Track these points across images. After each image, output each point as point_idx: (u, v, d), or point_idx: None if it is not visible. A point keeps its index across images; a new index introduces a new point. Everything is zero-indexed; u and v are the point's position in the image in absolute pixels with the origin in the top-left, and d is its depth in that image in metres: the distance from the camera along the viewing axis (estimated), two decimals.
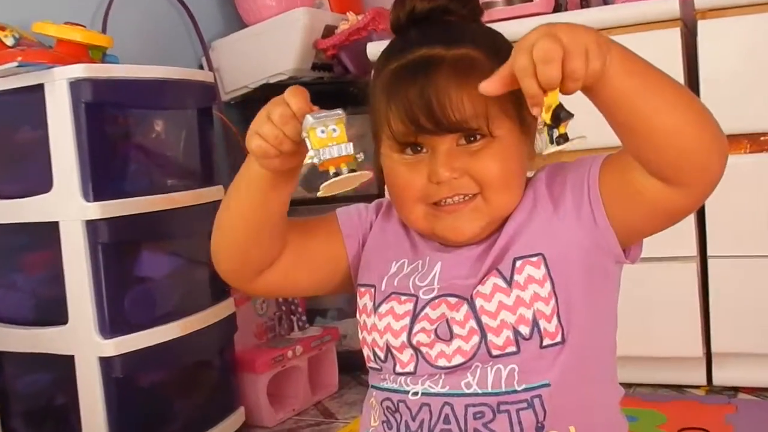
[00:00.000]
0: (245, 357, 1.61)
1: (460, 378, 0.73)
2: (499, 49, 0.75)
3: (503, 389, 0.72)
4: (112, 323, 1.30)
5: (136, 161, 1.43)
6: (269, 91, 2.00)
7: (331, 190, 0.68)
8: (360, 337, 0.81)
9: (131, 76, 1.34)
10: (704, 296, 1.54)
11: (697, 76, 1.49)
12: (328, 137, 0.66)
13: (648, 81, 0.64)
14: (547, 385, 0.72)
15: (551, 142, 0.63)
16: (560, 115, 0.61)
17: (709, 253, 1.52)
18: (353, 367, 1.82)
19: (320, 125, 0.66)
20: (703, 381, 1.58)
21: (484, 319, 0.73)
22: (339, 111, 0.67)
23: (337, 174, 0.67)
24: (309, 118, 0.66)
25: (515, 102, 0.74)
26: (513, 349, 0.72)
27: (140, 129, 1.44)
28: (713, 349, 1.54)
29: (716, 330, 1.52)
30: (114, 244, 1.30)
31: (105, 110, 1.32)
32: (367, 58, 1.76)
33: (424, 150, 0.74)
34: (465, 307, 0.74)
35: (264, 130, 0.68)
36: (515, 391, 0.72)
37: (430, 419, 0.73)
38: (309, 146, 0.67)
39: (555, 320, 0.72)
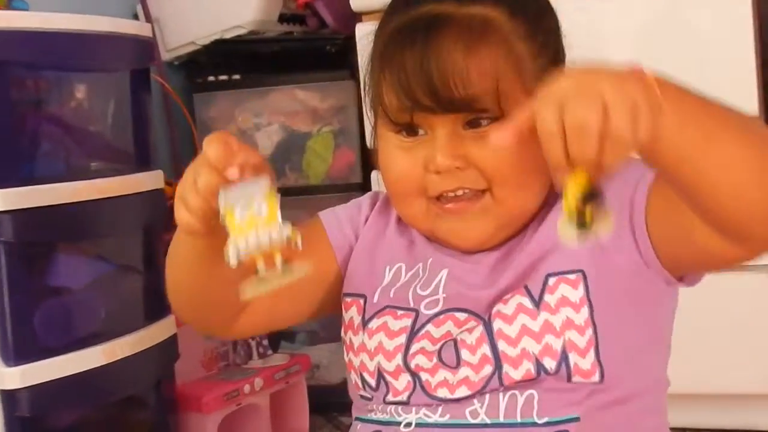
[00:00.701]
0: (189, 392, 1.61)
1: (465, 406, 0.75)
2: (527, 6, 0.78)
3: (519, 420, 0.74)
4: (18, 347, 1.30)
5: (49, 138, 1.42)
6: (224, 50, 2.02)
7: (255, 291, 0.67)
8: (345, 359, 0.83)
9: (44, 27, 1.33)
10: None
11: None
12: (251, 220, 0.66)
13: (710, 130, 0.63)
14: (576, 419, 0.73)
15: (573, 224, 0.60)
16: (588, 196, 0.59)
17: None
18: (329, 405, 1.82)
19: (240, 203, 0.66)
20: None
21: (502, 345, 0.75)
22: (265, 180, 0.67)
23: (262, 275, 0.66)
24: (224, 196, 0.66)
25: (541, 76, 0.75)
26: (533, 380, 0.74)
27: (55, 96, 1.44)
28: None
29: None
30: (20, 244, 1.30)
31: (9, 71, 1.31)
32: (349, 8, 1.75)
33: (423, 132, 0.76)
34: (480, 329, 0.76)
35: (189, 200, 0.69)
36: (535, 424, 0.73)
37: None
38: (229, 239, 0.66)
39: (591, 355, 0.74)
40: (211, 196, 0.67)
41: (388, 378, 0.78)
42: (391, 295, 0.81)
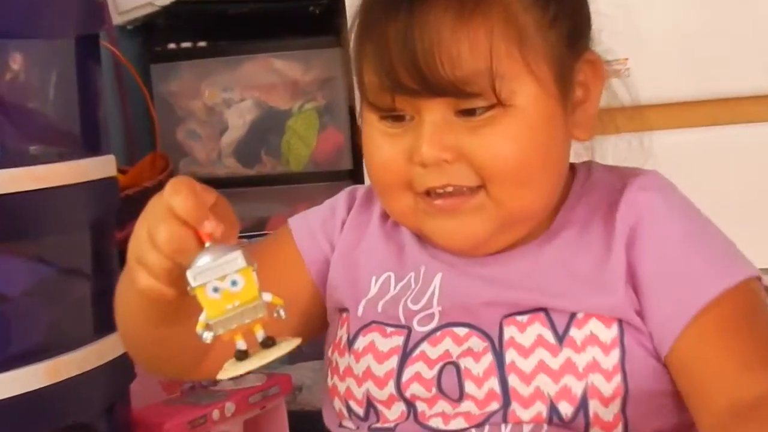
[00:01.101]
0: (147, 419, 1.61)
1: None
2: None
3: None
4: None
5: None
6: (187, 12, 2.00)
7: (236, 370, 0.69)
8: (329, 383, 0.84)
9: None
10: None
11: None
12: (225, 297, 0.66)
13: None
14: None
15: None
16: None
17: None
18: None
19: (212, 279, 0.66)
20: None
21: (513, 380, 0.76)
22: (237, 253, 0.67)
23: (245, 353, 0.68)
24: (192, 274, 0.66)
25: (551, 55, 0.77)
26: (543, 423, 0.76)
27: None
28: None
29: None
30: None
31: None
32: None
33: (410, 117, 0.77)
34: (489, 358, 0.77)
35: (150, 261, 0.69)
36: None
37: None
38: (202, 316, 0.67)
39: (617, 405, 0.75)
40: (178, 255, 0.67)
41: (380, 407, 0.80)
42: (379, 310, 0.82)
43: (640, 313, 0.77)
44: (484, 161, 0.75)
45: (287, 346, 0.68)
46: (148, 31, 2.12)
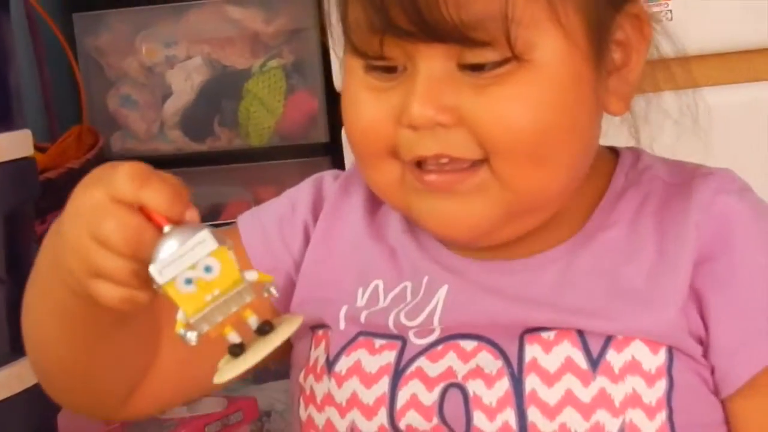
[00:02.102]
0: None
1: None
2: None
3: None
4: None
5: None
6: None
7: (237, 368, 0.68)
8: (301, 415, 0.85)
9: None
10: None
11: None
12: (202, 287, 0.66)
13: None
14: None
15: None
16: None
17: None
18: None
19: (181, 270, 0.66)
20: None
21: (533, 414, 0.77)
22: (204, 233, 0.66)
23: (240, 347, 0.68)
24: (157, 268, 0.66)
25: (585, 1, 0.76)
26: None
27: None
28: None
29: None
30: None
31: None
32: None
33: (402, 68, 0.77)
34: (505, 383, 0.77)
35: (111, 269, 0.67)
36: None
37: None
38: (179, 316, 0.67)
39: None
40: (140, 250, 0.66)
41: None
42: (362, 320, 0.83)
43: (701, 341, 0.78)
44: (491, 129, 0.74)
45: (289, 327, 0.68)
46: None
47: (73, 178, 1.90)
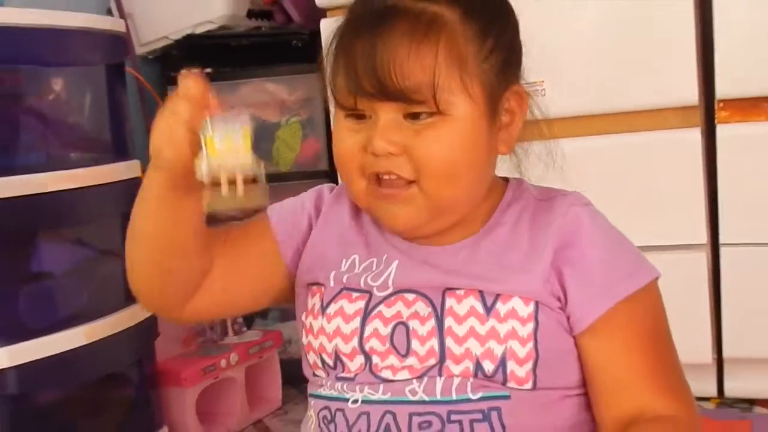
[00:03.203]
0: (169, 368, 1.61)
1: (404, 385, 0.76)
2: (485, 8, 0.78)
3: (454, 397, 0.74)
4: (4, 328, 1.29)
5: (28, 129, 1.41)
6: (196, 44, 1.99)
7: (216, 204, 0.70)
8: (304, 341, 0.83)
9: (21, 22, 1.31)
10: (715, 291, 1.58)
11: (712, 32, 1.53)
12: (228, 146, 0.68)
13: None
14: (506, 397, 0.74)
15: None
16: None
17: (721, 240, 1.56)
18: (300, 378, 1.78)
19: (220, 132, 0.68)
20: (713, 392, 1.62)
21: (449, 342, 0.75)
22: (244, 117, 0.69)
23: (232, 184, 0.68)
24: (208, 123, 0.69)
25: (485, 81, 0.75)
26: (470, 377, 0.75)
27: (34, 89, 1.43)
28: (725, 354, 1.58)
29: (729, 332, 1.57)
30: (2, 232, 1.29)
31: None
32: (314, 4, 1.74)
33: (368, 117, 0.76)
34: (432, 322, 0.76)
35: (176, 132, 0.71)
36: (469, 400, 0.74)
37: (368, 429, 0.75)
38: (203, 157, 0.68)
39: (528, 367, 0.75)
40: (196, 127, 0.69)
41: (344, 359, 0.79)
42: (345, 280, 0.81)
43: (559, 299, 0.76)
44: (420, 158, 0.74)
45: (256, 198, 0.70)
46: (165, 60, 2.09)
47: None
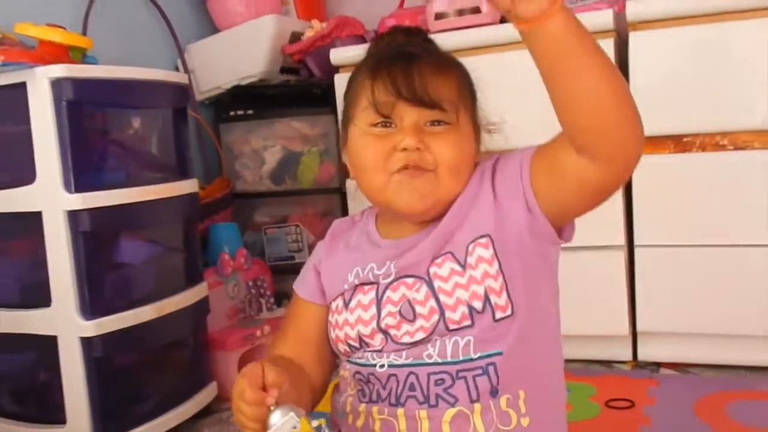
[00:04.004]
0: (217, 336, 1.61)
1: (422, 350, 0.74)
2: (454, 59, 0.80)
3: (461, 358, 0.73)
4: (93, 306, 1.29)
5: (114, 156, 1.41)
6: (241, 92, 2.01)
7: None
8: (332, 336, 0.81)
9: (109, 76, 1.32)
10: (631, 281, 1.59)
11: (627, 82, 1.51)
12: None
13: (588, 48, 0.64)
14: (500, 353, 0.73)
15: None
16: None
17: (635, 243, 1.57)
18: None
19: (278, 425, 0.65)
20: (629, 357, 1.62)
21: (442, 297, 0.74)
22: (297, 410, 0.66)
23: None
24: (270, 415, 0.65)
25: (473, 102, 0.79)
26: (468, 323, 0.73)
27: (118, 126, 1.43)
28: (638, 328, 1.59)
29: (641, 311, 1.57)
30: (94, 232, 1.29)
31: (85, 108, 1.30)
32: (330, 62, 1.76)
33: (394, 125, 0.75)
34: (425, 288, 0.75)
35: (242, 410, 0.68)
36: (471, 359, 0.73)
37: (398, 387, 0.74)
38: None
39: (504, 295, 0.73)
40: (258, 416, 0.67)
41: (367, 339, 0.77)
42: (357, 281, 0.79)
43: (503, 220, 0.74)
44: (439, 153, 0.74)
45: None
46: (217, 104, 2.10)
47: (216, 203, 1.90)
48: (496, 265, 0.73)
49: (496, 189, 0.75)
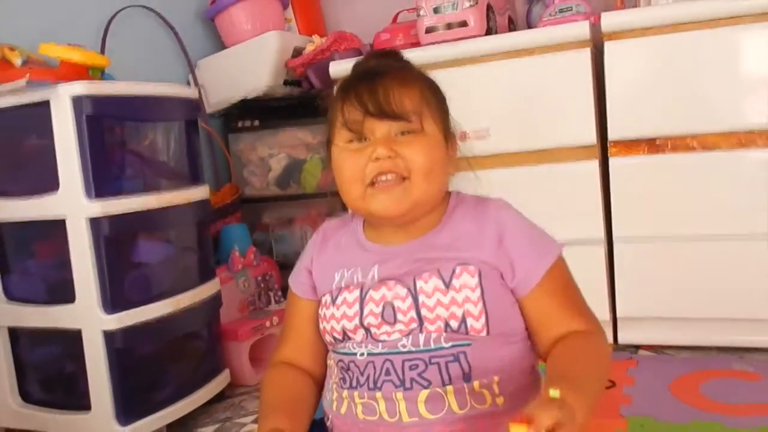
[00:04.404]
0: (229, 327, 1.62)
1: (397, 341, 0.75)
2: (418, 71, 0.80)
3: (432, 347, 0.73)
4: (114, 301, 1.30)
5: (131, 165, 1.42)
6: (248, 105, 2.02)
7: None
8: (321, 327, 0.81)
9: (126, 92, 1.33)
10: (610, 271, 1.60)
11: (604, 90, 1.52)
12: None
13: (596, 392, 0.68)
14: (469, 344, 0.73)
15: None
16: None
17: (614, 235, 1.58)
18: None
19: None
20: (611, 340, 1.63)
21: (424, 311, 0.73)
22: None
23: None
24: None
25: (442, 113, 0.78)
26: (443, 334, 0.73)
27: (135, 138, 1.44)
28: (618, 314, 1.60)
29: (620, 298, 1.58)
30: (114, 235, 1.30)
31: (104, 122, 1.31)
32: (329, 75, 1.78)
33: (368, 140, 0.75)
34: (409, 299, 0.74)
35: None
36: (442, 348, 0.73)
37: (375, 373, 0.74)
38: None
39: (482, 320, 0.73)
40: None
41: (350, 334, 0.77)
42: (343, 283, 0.79)
43: (498, 269, 0.75)
44: (411, 159, 0.74)
45: None
46: (226, 116, 2.10)
47: (227, 207, 1.91)
48: (478, 292, 0.73)
49: (503, 247, 0.75)
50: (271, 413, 0.76)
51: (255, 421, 1.42)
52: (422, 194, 0.75)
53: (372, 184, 0.74)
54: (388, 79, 0.75)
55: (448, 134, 0.79)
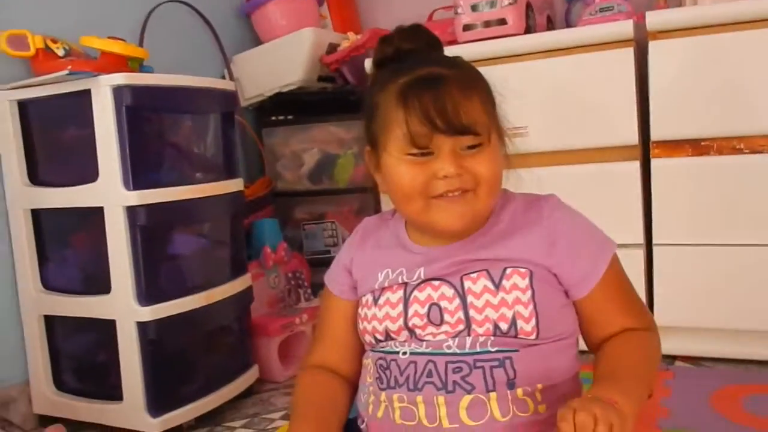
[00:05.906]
0: (260, 323, 1.62)
1: (442, 342, 0.73)
2: (473, 69, 0.77)
3: (478, 350, 0.72)
4: (148, 293, 1.31)
5: (169, 156, 1.43)
6: (282, 99, 2.02)
7: None
8: (360, 327, 0.79)
9: (164, 84, 1.35)
10: (649, 278, 1.57)
11: (647, 89, 1.51)
12: None
13: (645, 392, 0.69)
14: (516, 350, 0.71)
15: None
16: None
17: (654, 241, 1.55)
18: None
19: None
20: None
21: (472, 312, 0.72)
22: None
23: None
24: None
25: (496, 121, 0.75)
26: (491, 337, 0.72)
27: (172, 129, 1.45)
28: (656, 323, 1.57)
29: (659, 306, 1.55)
30: (149, 226, 1.31)
31: (143, 113, 1.32)
32: (364, 71, 1.77)
33: (431, 152, 0.72)
34: (457, 301, 0.73)
35: None
36: (489, 352, 0.71)
37: (416, 373, 0.73)
38: None
39: (533, 322, 0.72)
40: None
41: (393, 335, 0.76)
42: (387, 283, 0.77)
43: (550, 270, 0.73)
44: (480, 173, 0.71)
45: None
46: (260, 110, 2.10)
47: (259, 201, 1.92)
48: (529, 293, 0.72)
49: (561, 244, 0.74)
50: (300, 421, 0.76)
51: (283, 418, 1.42)
52: (484, 207, 0.74)
53: (435, 198, 0.72)
54: (452, 88, 0.71)
55: (502, 135, 0.77)
